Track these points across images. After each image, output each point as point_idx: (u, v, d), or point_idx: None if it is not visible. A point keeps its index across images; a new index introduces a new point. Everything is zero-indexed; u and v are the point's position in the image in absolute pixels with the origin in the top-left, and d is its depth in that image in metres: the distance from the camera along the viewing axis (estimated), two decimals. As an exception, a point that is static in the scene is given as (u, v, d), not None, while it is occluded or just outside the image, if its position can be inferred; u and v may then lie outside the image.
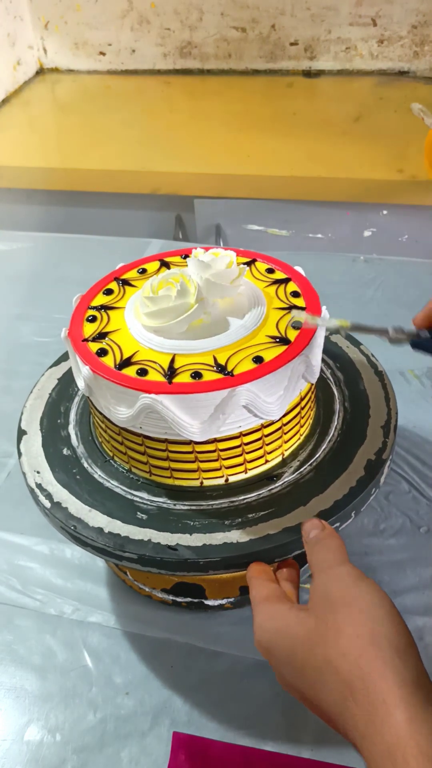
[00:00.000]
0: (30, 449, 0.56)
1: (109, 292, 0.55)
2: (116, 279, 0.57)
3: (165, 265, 0.58)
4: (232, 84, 1.62)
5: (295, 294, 0.52)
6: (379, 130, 1.34)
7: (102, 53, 1.70)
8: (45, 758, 0.51)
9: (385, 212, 1.20)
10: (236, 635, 0.58)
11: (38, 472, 0.54)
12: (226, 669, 0.56)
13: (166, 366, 0.47)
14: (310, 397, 0.53)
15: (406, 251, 1.18)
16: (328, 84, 1.58)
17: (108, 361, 0.48)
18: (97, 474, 0.54)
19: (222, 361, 0.47)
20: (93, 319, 0.52)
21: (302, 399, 0.51)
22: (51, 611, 0.61)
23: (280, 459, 0.52)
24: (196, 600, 0.58)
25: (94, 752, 0.51)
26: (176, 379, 0.46)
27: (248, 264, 0.56)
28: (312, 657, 0.38)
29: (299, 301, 0.51)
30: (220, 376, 0.46)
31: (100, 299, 0.55)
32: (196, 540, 0.48)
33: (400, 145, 1.27)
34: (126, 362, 0.48)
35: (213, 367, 0.46)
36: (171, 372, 0.46)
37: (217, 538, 0.48)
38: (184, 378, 0.46)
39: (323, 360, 0.60)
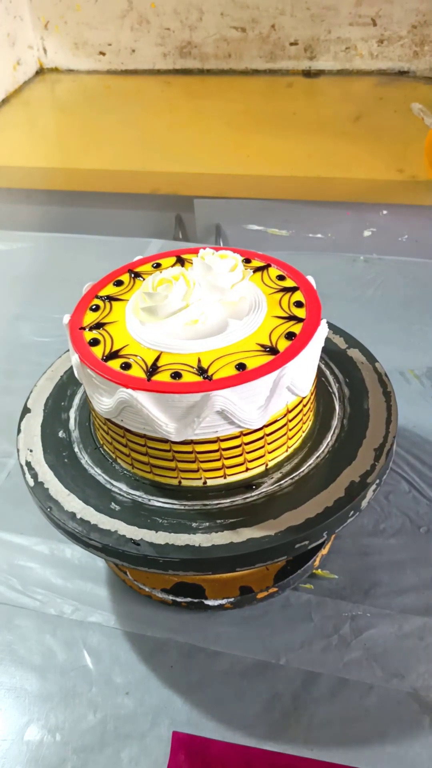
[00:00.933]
0: (29, 428, 0.58)
1: (119, 283, 0.56)
2: (129, 271, 0.57)
3: (180, 261, 0.58)
4: (231, 84, 1.62)
5: (299, 304, 0.51)
6: (379, 130, 1.33)
7: (102, 53, 1.70)
8: (45, 758, 0.51)
9: (385, 212, 1.19)
10: (236, 635, 0.58)
11: (31, 451, 0.56)
12: (226, 669, 0.56)
13: (150, 362, 0.47)
14: (302, 411, 0.52)
15: (406, 251, 1.18)
16: (328, 84, 1.58)
17: (98, 351, 0.49)
18: (84, 460, 0.55)
19: (205, 364, 0.46)
20: (96, 309, 0.53)
21: (290, 411, 0.50)
22: (51, 611, 0.61)
23: (263, 468, 0.52)
24: (196, 600, 0.58)
25: (94, 752, 0.51)
26: (156, 377, 0.46)
27: (261, 269, 0.55)
28: None
29: (300, 312, 0.51)
30: (199, 378, 0.46)
31: (109, 290, 0.55)
32: (160, 538, 0.48)
33: (400, 145, 1.27)
34: (113, 354, 0.48)
35: (194, 369, 0.46)
36: (153, 369, 0.47)
37: (181, 539, 0.48)
38: (163, 377, 0.46)
39: (333, 374, 0.59)
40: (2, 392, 0.83)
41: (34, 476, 0.54)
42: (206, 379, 0.45)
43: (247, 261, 0.57)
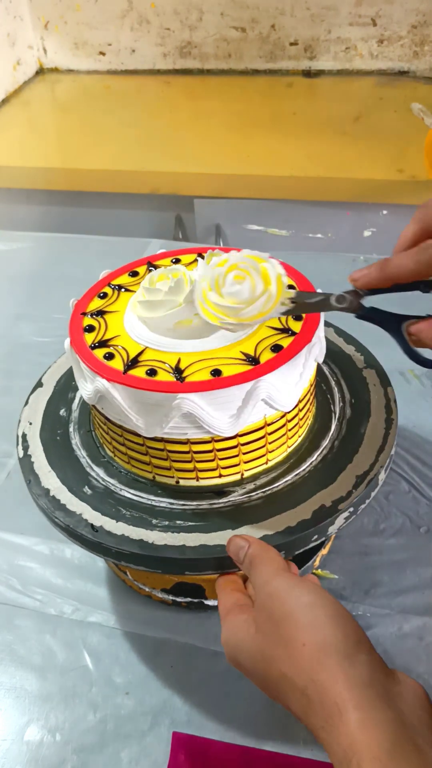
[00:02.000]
0: (36, 403, 0.59)
1: (134, 274, 0.56)
2: (148, 263, 0.57)
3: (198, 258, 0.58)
4: (232, 84, 1.62)
5: (298, 317, 0.50)
6: (379, 130, 1.34)
7: (102, 53, 1.70)
8: (45, 758, 0.51)
9: (385, 212, 1.19)
10: (236, 635, 0.58)
11: (30, 424, 0.57)
12: (226, 669, 0.56)
13: (132, 356, 0.47)
14: (286, 425, 0.51)
15: (406, 251, 1.18)
16: (328, 84, 1.58)
17: (89, 338, 0.50)
18: (75, 441, 0.56)
19: (183, 365, 0.46)
20: (103, 296, 0.54)
21: (269, 424, 0.49)
22: (51, 611, 0.61)
23: (237, 477, 0.51)
24: (195, 600, 0.58)
25: (94, 752, 0.51)
26: (132, 371, 0.46)
27: None
28: (269, 671, 0.39)
29: (296, 326, 0.49)
30: (171, 378, 0.45)
31: (122, 279, 0.56)
32: (119, 528, 0.48)
33: (400, 145, 1.27)
34: (102, 343, 0.49)
35: (171, 368, 0.46)
36: (131, 363, 0.47)
37: (138, 533, 0.48)
38: (139, 372, 0.46)
39: (341, 392, 0.58)
40: (2, 392, 0.83)
41: (25, 448, 0.55)
42: (178, 380, 0.45)
43: None
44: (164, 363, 0.47)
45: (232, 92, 1.58)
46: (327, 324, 0.64)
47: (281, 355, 0.47)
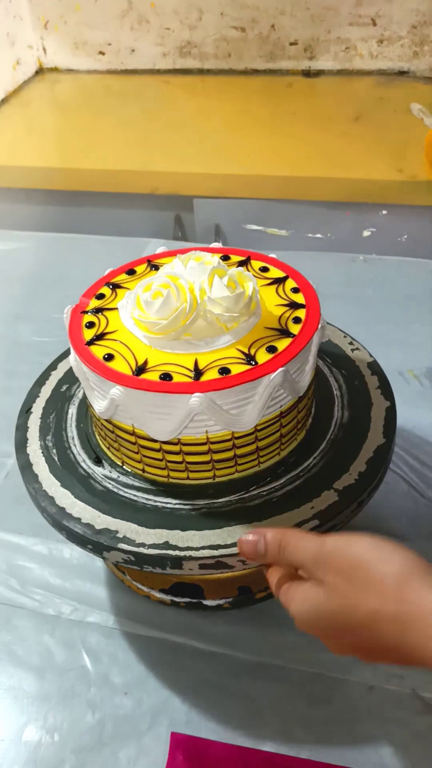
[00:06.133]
0: (49, 384, 0.61)
1: (132, 272, 0.57)
2: (148, 261, 0.58)
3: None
4: (231, 84, 1.62)
5: (297, 320, 0.50)
6: (378, 130, 1.33)
7: (101, 53, 1.70)
8: (43, 758, 0.51)
9: (384, 212, 1.19)
10: (235, 635, 0.58)
11: (35, 400, 0.59)
12: (225, 669, 0.56)
13: (99, 332, 0.49)
14: (254, 442, 0.50)
15: (406, 251, 1.18)
16: (328, 84, 1.58)
17: (88, 334, 0.50)
18: (68, 423, 0.57)
19: (141, 359, 0.47)
20: (106, 292, 0.54)
21: (237, 438, 0.48)
22: (49, 611, 0.61)
23: (210, 480, 0.51)
24: (194, 600, 0.58)
25: (92, 752, 0.51)
26: (112, 364, 0.47)
27: (279, 282, 0.54)
28: (354, 619, 0.39)
29: (282, 344, 0.48)
30: (187, 379, 0.45)
31: (122, 278, 0.56)
32: (82, 511, 0.49)
33: (400, 145, 1.27)
34: (99, 336, 0.49)
35: (131, 358, 0.47)
36: (107, 358, 0.48)
37: (104, 521, 0.49)
38: (98, 351, 0.48)
39: (341, 408, 0.57)
40: (2, 392, 0.83)
41: (22, 429, 0.58)
42: (137, 374, 0.46)
43: (264, 270, 0.55)
44: (179, 365, 0.46)
45: (231, 92, 1.58)
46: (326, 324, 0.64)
47: (296, 341, 0.48)
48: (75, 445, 0.55)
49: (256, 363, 0.46)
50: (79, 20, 1.65)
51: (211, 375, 0.45)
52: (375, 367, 0.60)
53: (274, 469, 0.52)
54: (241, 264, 0.55)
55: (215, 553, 0.46)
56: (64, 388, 0.61)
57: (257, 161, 1.26)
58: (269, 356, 0.46)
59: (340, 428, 0.55)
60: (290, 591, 0.43)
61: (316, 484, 0.51)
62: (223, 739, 0.52)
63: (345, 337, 0.64)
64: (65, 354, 0.64)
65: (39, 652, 0.58)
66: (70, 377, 0.61)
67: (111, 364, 0.47)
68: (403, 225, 1.19)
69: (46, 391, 0.61)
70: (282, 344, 0.47)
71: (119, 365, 0.47)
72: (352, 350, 0.62)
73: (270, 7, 1.53)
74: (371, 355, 0.62)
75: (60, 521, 0.49)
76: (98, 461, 0.54)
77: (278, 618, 0.58)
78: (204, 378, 0.45)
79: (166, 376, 0.45)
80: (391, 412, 0.56)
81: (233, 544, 0.47)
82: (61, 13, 1.65)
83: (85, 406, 0.58)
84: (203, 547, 0.47)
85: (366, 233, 1.21)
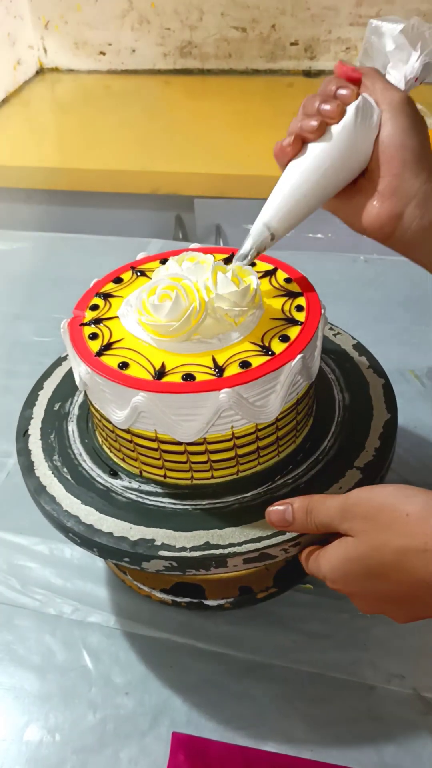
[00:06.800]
0: (39, 405, 0.61)
1: (119, 281, 0.57)
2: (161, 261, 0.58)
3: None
4: (232, 84, 1.62)
5: (292, 321, 0.50)
6: (379, 130, 1.33)
7: (102, 53, 1.70)
8: (44, 758, 0.51)
9: (385, 212, 1.19)
10: (236, 635, 0.58)
11: (30, 422, 0.59)
12: (226, 669, 0.56)
13: (106, 342, 0.49)
14: (275, 432, 0.50)
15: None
16: (328, 84, 1.58)
17: (89, 335, 0.50)
18: (71, 440, 0.57)
19: (158, 364, 0.47)
20: (99, 303, 0.54)
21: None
22: (50, 611, 0.61)
23: (234, 476, 0.51)
24: (195, 600, 0.58)
25: (93, 752, 0.51)
26: (129, 371, 0.47)
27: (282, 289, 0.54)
28: (384, 557, 0.40)
29: (293, 332, 0.48)
30: (149, 377, 0.46)
31: (109, 287, 0.56)
32: (112, 526, 0.49)
33: (400, 145, 1.26)
34: (107, 346, 0.49)
35: (147, 363, 0.47)
36: (123, 366, 0.47)
37: (137, 531, 0.48)
38: (133, 371, 0.47)
39: (339, 391, 0.58)
40: (2, 392, 0.83)
41: (25, 419, 0.59)
42: (219, 377, 0.45)
43: (251, 265, 0.54)
44: (136, 351, 0.47)
45: (232, 92, 1.58)
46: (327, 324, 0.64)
47: (306, 328, 0.48)
48: (85, 461, 0.54)
49: (274, 353, 0.46)
50: (79, 20, 1.65)
51: (233, 370, 0.45)
52: (361, 348, 0.62)
53: (293, 457, 0.52)
54: (225, 261, 0.55)
55: (258, 545, 0.47)
56: (57, 406, 0.60)
57: (258, 161, 1.26)
58: (284, 345, 0.47)
59: (345, 410, 0.56)
60: (321, 554, 0.44)
61: (338, 465, 0.51)
62: (224, 738, 0.52)
63: (344, 336, 0.64)
64: (47, 374, 0.63)
65: (40, 652, 0.58)
66: (59, 395, 0.60)
67: (128, 372, 0.46)
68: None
69: (39, 412, 0.60)
70: (293, 332, 0.48)
71: (137, 372, 0.46)
72: (335, 335, 0.63)
73: (270, 7, 1.53)
74: (354, 338, 0.63)
75: (91, 538, 0.48)
76: (114, 474, 0.53)
77: (280, 618, 0.58)
78: (227, 374, 0.45)
79: (189, 377, 0.45)
80: (388, 389, 0.58)
81: (275, 534, 0.47)
82: (61, 13, 1.65)
83: (85, 421, 0.58)
84: (246, 542, 0.47)
85: (366, 233, 1.20)
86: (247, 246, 0.51)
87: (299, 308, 0.50)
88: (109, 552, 0.48)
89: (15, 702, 0.55)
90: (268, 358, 0.46)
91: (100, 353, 0.48)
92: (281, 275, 0.54)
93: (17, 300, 1.01)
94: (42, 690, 0.55)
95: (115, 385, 0.46)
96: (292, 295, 0.51)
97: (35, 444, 0.56)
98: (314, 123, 0.47)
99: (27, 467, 0.55)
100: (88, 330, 0.51)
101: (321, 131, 0.47)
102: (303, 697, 0.54)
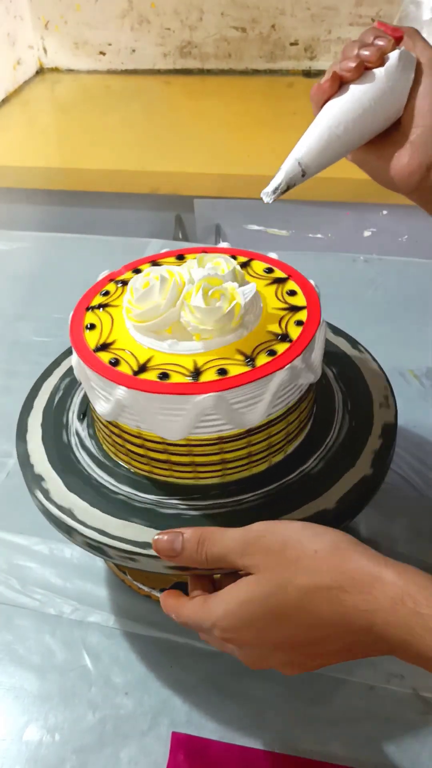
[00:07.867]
0: (59, 371, 0.62)
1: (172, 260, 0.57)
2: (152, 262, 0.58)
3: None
4: (232, 84, 1.62)
5: (272, 353, 0.49)
6: (379, 130, 1.33)
7: (102, 53, 1.70)
8: (44, 758, 0.51)
9: (385, 212, 1.19)
10: (236, 635, 0.58)
11: (41, 389, 0.60)
12: (226, 669, 0.56)
13: (104, 341, 0.49)
14: (219, 453, 0.49)
15: (406, 251, 1.18)
16: (328, 84, 1.58)
17: (92, 336, 0.51)
18: (70, 414, 0.58)
19: (145, 357, 0.47)
20: (106, 293, 0.54)
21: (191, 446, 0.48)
22: (50, 611, 0.61)
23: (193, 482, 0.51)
24: (195, 600, 0.58)
25: (93, 752, 0.51)
26: (100, 353, 0.48)
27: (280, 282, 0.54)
28: (291, 598, 0.38)
29: (281, 348, 0.48)
30: (133, 370, 0.46)
31: (127, 276, 0.56)
32: (56, 489, 0.51)
33: (400, 145, 1.27)
34: (104, 346, 0.49)
35: (132, 359, 0.47)
36: (99, 347, 0.48)
37: (77, 503, 0.50)
38: (105, 358, 0.48)
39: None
40: (2, 392, 0.83)
41: (27, 410, 0.60)
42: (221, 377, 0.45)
43: (269, 271, 0.55)
44: (125, 352, 0.48)
45: (232, 92, 1.58)
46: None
47: (307, 328, 0.48)
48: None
49: (254, 365, 0.46)
50: (79, 20, 1.65)
51: (210, 376, 0.45)
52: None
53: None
54: (243, 265, 0.55)
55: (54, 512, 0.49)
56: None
57: (258, 161, 1.26)
58: (268, 359, 0.46)
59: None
60: (212, 598, 0.41)
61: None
62: (224, 738, 0.52)
63: (344, 336, 0.64)
64: (47, 374, 0.63)
65: (40, 651, 0.58)
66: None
67: (118, 367, 0.47)
68: (403, 225, 1.19)
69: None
70: (281, 348, 0.47)
71: (123, 366, 0.47)
72: (334, 335, 0.64)
73: (270, 7, 1.53)
74: (353, 338, 0.63)
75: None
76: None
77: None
78: (202, 379, 0.45)
79: (164, 376, 0.45)
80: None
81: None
82: (61, 13, 1.65)
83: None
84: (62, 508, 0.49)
85: (366, 233, 1.21)
86: (278, 179, 0.50)
87: (299, 323, 0.49)
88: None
89: (15, 702, 0.55)
90: (248, 369, 0.45)
91: (97, 348, 0.49)
92: (291, 285, 0.53)
93: (17, 300, 1.01)
94: (42, 690, 0.55)
95: (100, 377, 0.47)
96: (294, 309, 0.50)
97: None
98: (352, 64, 0.47)
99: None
100: (90, 317, 0.51)
101: (359, 71, 0.47)
102: (303, 697, 0.54)
